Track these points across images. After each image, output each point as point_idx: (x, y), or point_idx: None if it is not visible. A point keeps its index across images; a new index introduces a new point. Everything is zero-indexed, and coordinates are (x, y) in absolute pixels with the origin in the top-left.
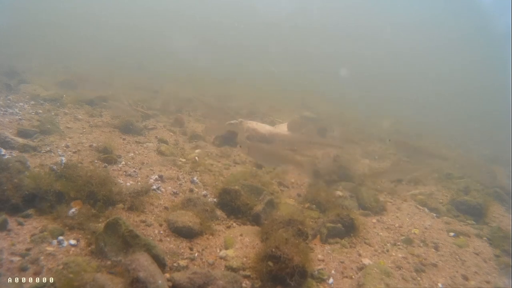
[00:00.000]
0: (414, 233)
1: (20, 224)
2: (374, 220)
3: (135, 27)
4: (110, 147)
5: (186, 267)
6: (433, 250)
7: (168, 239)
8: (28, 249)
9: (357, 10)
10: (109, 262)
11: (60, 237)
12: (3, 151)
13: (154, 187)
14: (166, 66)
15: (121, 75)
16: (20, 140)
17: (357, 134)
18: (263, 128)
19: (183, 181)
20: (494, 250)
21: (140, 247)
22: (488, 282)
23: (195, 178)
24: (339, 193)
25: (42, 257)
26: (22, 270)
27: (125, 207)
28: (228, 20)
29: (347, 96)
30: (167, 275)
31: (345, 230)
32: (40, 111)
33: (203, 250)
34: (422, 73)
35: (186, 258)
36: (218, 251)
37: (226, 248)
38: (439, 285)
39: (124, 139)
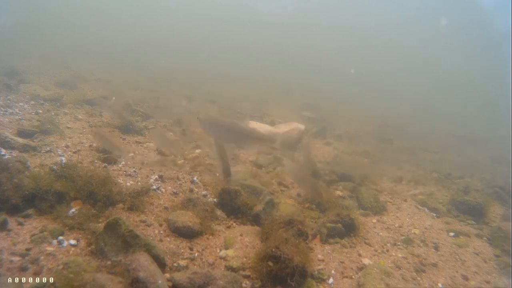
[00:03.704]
0: (414, 233)
1: (20, 224)
2: (374, 220)
3: (135, 27)
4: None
5: (186, 267)
6: (433, 250)
7: (168, 239)
8: (28, 249)
9: (357, 10)
10: (109, 262)
11: (60, 237)
12: (3, 151)
13: (154, 187)
14: (166, 66)
15: (121, 75)
16: (20, 140)
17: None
18: (263, 128)
19: (183, 181)
20: (494, 250)
21: (140, 247)
22: (488, 282)
23: (195, 178)
24: (339, 193)
25: (42, 257)
26: (22, 270)
27: (125, 207)
28: (226, 20)
29: (348, 96)
30: (167, 275)
31: (345, 230)
32: (40, 111)
33: (203, 250)
34: (422, 74)
35: (186, 258)
36: (218, 251)
37: (226, 248)
38: (439, 285)
39: (124, 139)
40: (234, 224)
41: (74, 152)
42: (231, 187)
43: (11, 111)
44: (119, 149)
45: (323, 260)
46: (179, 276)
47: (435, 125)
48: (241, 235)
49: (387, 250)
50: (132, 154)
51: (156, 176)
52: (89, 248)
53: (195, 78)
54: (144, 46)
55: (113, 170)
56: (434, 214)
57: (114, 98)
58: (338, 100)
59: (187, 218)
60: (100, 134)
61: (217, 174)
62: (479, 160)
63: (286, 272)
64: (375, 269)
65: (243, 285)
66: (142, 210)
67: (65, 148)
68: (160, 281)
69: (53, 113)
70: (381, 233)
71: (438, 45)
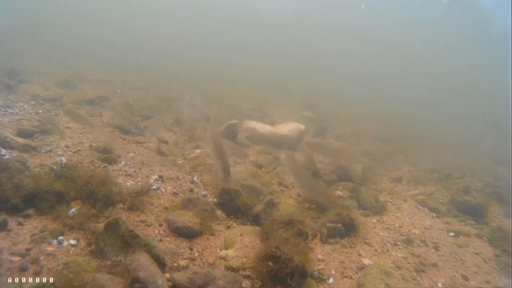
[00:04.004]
0: (414, 233)
1: (20, 224)
2: (374, 220)
3: (135, 27)
4: (110, 147)
5: (186, 267)
6: (433, 250)
7: (168, 239)
8: (28, 249)
9: (357, 10)
10: (109, 262)
11: (60, 237)
12: (3, 151)
13: (154, 187)
14: (165, 66)
15: (121, 75)
16: (20, 140)
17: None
18: (263, 128)
19: (183, 181)
20: (494, 250)
21: (140, 247)
22: (488, 282)
23: (195, 178)
24: (339, 193)
25: (42, 257)
26: (22, 270)
27: (125, 207)
28: (226, 20)
29: (348, 96)
30: (167, 275)
31: (345, 230)
32: (40, 111)
33: (203, 250)
34: (422, 74)
35: (186, 258)
36: (218, 251)
37: (226, 248)
38: (439, 285)
39: (124, 139)
40: (234, 224)
41: (74, 152)
42: (231, 187)
43: (11, 111)
44: (91, 124)
45: (323, 260)
46: (179, 276)
47: (435, 125)
48: (241, 235)
49: (387, 250)
50: (132, 154)
51: (156, 176)
52: (89, 248)
53: (195, 78)
54: (144, 46)
55: (113, 170)
56: (434, 214)
57: (119, 91)
58: (338, 100)
59: (187, 218)
60: (72, 112)
61: (218, 174)
62: (479, 160)
63: (286, 272)
64: (375, 269)
65: (243, 285)
66: (142, 210)
67: (65, 148)
68: (160, 281)
69: (53, 113)
70: (381, 233)
71: (438, 45)
